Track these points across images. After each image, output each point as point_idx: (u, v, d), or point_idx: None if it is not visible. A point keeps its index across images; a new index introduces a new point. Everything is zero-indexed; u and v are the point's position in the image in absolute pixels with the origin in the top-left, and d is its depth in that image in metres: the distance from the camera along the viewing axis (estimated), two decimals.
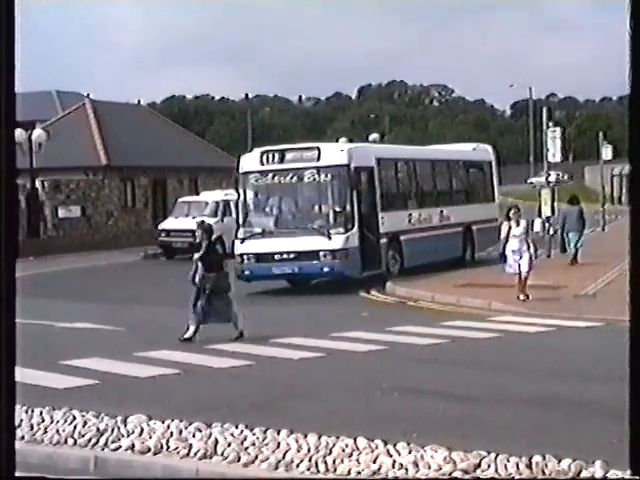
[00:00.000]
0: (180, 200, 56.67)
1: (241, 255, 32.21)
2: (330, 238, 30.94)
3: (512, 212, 27.17)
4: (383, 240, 33.16)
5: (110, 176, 71.15)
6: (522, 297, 26.62)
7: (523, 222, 27.11)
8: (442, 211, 38.67)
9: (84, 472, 11.74)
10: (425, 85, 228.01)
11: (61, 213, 66.79)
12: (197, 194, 60.78)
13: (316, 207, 32.64)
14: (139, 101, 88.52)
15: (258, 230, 32.34)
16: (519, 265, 26.72)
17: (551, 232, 46.49)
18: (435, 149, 46.97)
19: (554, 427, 12.76)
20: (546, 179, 43.54)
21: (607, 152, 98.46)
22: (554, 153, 42.42)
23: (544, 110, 45.87)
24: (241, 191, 33.29)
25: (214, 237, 23.08)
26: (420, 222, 36.67)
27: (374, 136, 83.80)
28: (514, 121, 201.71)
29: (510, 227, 26.86)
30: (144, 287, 37.86)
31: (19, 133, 64.25)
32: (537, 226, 44.15)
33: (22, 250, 58.13)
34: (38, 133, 63.72)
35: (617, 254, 39.21)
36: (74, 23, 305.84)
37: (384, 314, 26.25)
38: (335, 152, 32.57)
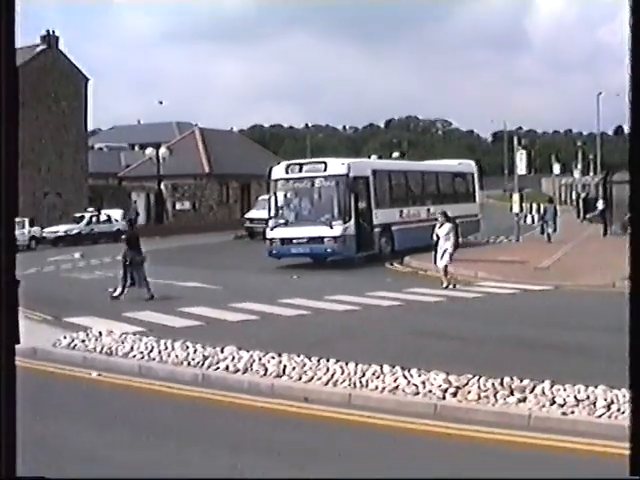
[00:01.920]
0: (260, 198, 56.61)
1: (270, 239, 31.65)
2: (332, 228, 30.13)
3: (439, 217, 24.83)
4: (377, 229, 32.23)
5: (211, 181, 71.55)
6: (445, 284, 23.35)
7: (447, 225, 24.07)
8: (429, 209, 36.68)
9: (194, 384, 11.87)
10: (432, 119, 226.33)
11: (177, 206, 67.39)
12: None
13: (324, 205, 31.17)
14: (232, 128, 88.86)
15: (282, 221, 31.47)
16: (441, 258, 23.75)
17: (536, 223, 47.12)
18: (426, 163, 45.99)
19: (520, 358, 12.82)
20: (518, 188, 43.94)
21: (557, 168, 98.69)
22: (521, 168, 42.95)
23: (514, 138, 47.10)
24: (272, 193, 32.49)
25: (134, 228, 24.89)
26: (409, 216, 35.33)
27: (396, 155, 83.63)
28: (493, 145, 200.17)
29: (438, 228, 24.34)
30: (234, 258, 38.02)
31: (150, 151, 65.03)
32: (529, 218, 45.83)
33: (151, 232, 58.58)
34: (163, 151, 64.26)
35: (563, 240, 39.39)
36: (190, 71, 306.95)
37: (402, 280, 26.17)
38: (337, 165, 31.60)
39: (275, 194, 32.30)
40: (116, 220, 59.53)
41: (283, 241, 31.19)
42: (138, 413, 10.59)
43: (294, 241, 30.94)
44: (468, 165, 44.27)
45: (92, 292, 24.90)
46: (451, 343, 14.66)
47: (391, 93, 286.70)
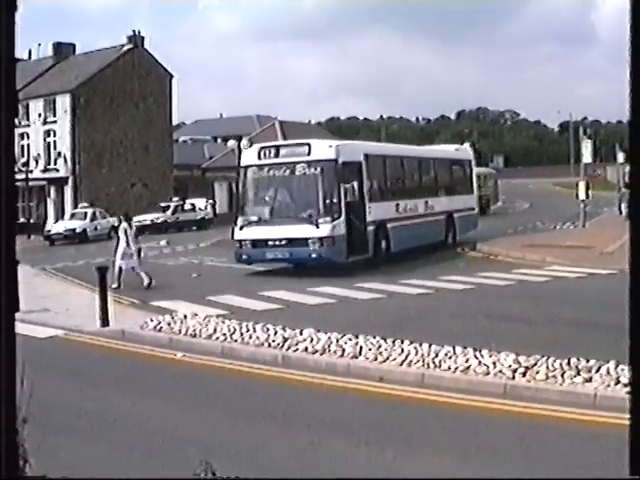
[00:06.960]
0: None
1: (239, 241, 25.14)
2: (318, 226, 23.68)
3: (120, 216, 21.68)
4: (370, 228, 25.46)
5: None
6: (114, 285, 20.67)
7: (121, 225, 21.86)
8: (427, 202, 30.58)
9: (275, 364, 11.92)
10: (501, 110, 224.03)
11: None
12: None
13: (307, 198, 24.64)
14: (309, 121, 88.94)
15: (254, 218, 24.97)
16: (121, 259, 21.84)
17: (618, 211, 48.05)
18: (423, 148, 40.01)
19: (586, 339, 12.70)
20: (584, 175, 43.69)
21: (621, 157, 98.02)
22: (587, 157, 42.70)
23: (580, 128, 46.86)
24: (241, 183, 25.99)
25: None
26: (407, 211, 28.57)
27: (466, 144, 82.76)
28: (560, 135, 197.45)
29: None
30: None
31: (232, 143, 65.45)
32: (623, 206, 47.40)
33: (228, 222, 58.87)
34: (244, 142, 64.43)
35: (625, 226, 38.82)
36: (270, 67, 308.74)
37: (474, 264, 25.96)
38: (324, 148, 24.89)
39: (245, 185, 26.00)
40: (200, 209, 60.23)
41: (255, 243, 24.79)
42: (221, 393, 10.68)
43: (269, 243, 24.56)
44: (464, 151, 38.10)
45: (177, 277, 25.17)
46: (520, 325, 14.51)
47: (462, 86, 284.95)
